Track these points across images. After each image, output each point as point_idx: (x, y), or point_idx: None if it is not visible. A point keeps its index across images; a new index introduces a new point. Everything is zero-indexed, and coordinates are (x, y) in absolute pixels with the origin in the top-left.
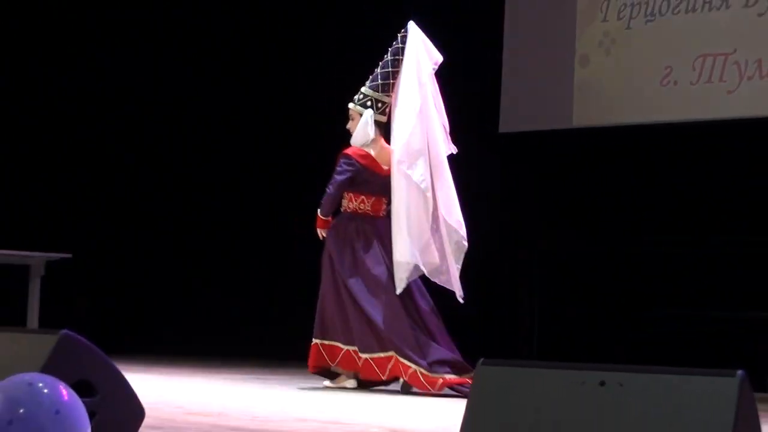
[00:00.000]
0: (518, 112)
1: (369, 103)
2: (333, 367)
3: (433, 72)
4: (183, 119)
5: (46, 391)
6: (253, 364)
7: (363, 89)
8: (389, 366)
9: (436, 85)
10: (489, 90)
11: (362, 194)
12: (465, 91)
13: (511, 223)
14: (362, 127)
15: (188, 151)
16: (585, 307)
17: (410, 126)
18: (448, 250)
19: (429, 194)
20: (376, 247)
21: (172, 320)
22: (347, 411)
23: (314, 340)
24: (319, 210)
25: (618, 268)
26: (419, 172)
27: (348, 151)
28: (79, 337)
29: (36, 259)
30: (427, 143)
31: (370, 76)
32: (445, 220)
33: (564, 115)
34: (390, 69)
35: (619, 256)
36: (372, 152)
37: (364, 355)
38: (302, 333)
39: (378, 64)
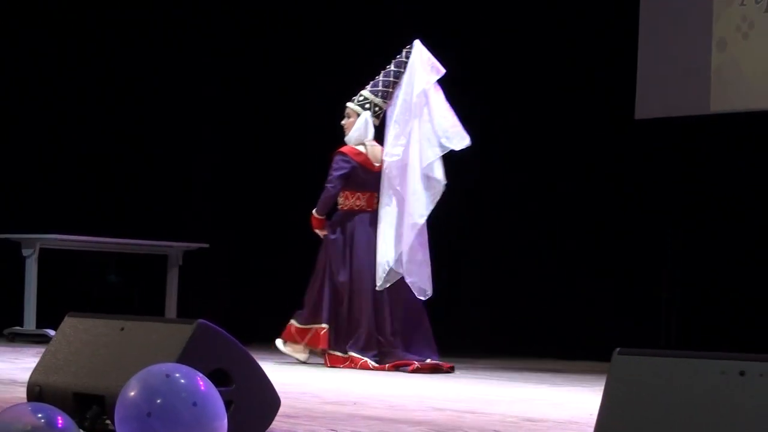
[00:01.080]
0: (654, 99)
1: (367, 106)
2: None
3: (435, 84)
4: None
5: (183, 381)
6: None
7: (363, 92)
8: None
9: (439, 93)
10: (625, 76)
11: (358, 191)
12: (600, 77)
13: (646, 211)
14: (361, 127)
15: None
16: (725, 295)
17: (403, 144)
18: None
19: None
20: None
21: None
22: (483, 400)
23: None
24: (315, 210)
25: (757, 256)
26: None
27: (343, 149)
28: (215, 326)
29: (174, 249)
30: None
31: (371, 81)
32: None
33: (701, 101)
34: (391, 79)
35: (760, 243)
36: (364, 150)
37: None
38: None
39: (380, 72)
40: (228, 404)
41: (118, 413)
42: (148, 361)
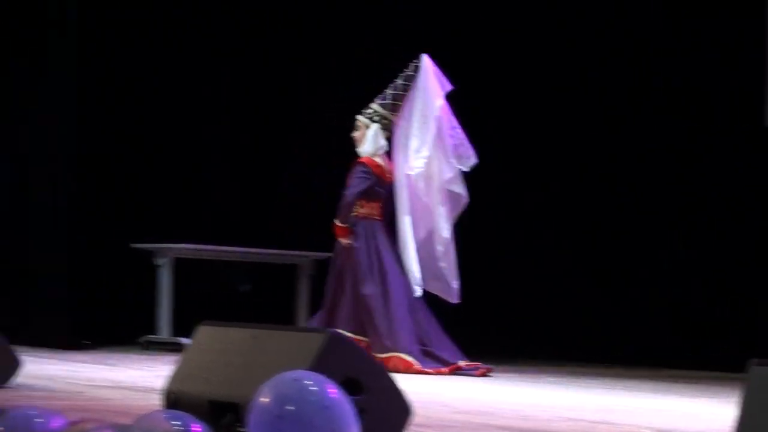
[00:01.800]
0: None
1: (376, 118)
2: None
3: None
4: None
5: (314, 388)
6: (521, 362)
7: (373, 105)
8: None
9: (448, 112)
10: (753, 83)
11: (373, 201)
12: (728, 84)
13: None
14: (372, 139)
15: None
16: None
17: (426, 156)
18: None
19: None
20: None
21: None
22: (616, 411)
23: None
24: (337, 219)
25: None
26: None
27: (364, 161)
28: (346, 335)
29: (305, 258)
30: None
31: (380, 95)
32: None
33: None
34: (399, 92)
35: None
36: (380, 162)
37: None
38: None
39: (388, 85)
40: (359, 412)
41: (251, 420)
42: (280, 369)
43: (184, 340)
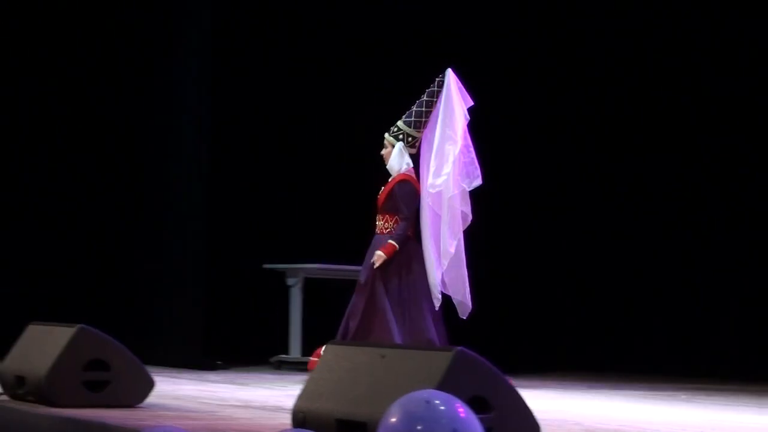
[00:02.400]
0: None
1: (401, 136)
2: None
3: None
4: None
5: (443, 408)
6: (650, 379)
7: (398, 123)
8: None
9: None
10: None
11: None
12: None
13: None
14: (397, 157)
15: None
16: None
17: (447, 174)
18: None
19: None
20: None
21: (563, 335)
22: (745, 429)
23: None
24: (398, 241)
25: None
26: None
27: (408, 177)
28: (474, 354)
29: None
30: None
31: (406, 112)
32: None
33: None
34: (424, 108)
35: None
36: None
37: None
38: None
39: (414, 102)
40: (488, 431)
41: None
42: (408, 388)
43: None
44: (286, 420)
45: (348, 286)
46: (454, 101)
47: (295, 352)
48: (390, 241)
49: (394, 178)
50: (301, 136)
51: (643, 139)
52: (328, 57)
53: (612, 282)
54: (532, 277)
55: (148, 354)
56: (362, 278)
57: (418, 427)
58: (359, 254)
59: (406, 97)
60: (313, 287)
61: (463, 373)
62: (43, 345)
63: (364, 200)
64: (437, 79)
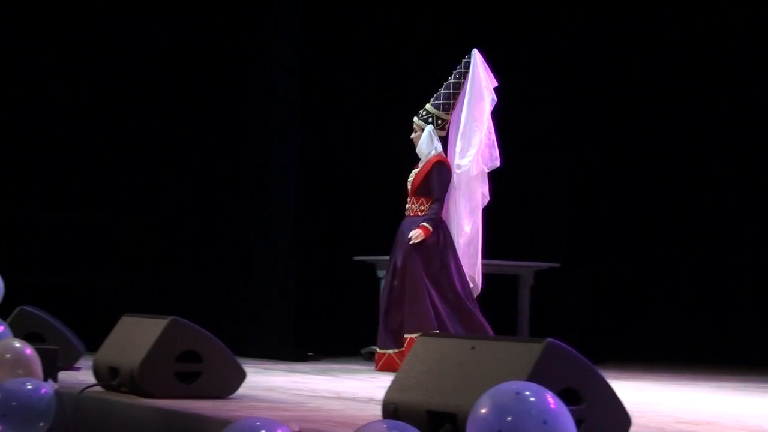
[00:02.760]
0: None
1: (430, 120)
2: None
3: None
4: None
5: (533, 399)
6: (742, 371)
7: (427, 106)
8: None
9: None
10: None
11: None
12: None
13: None
14: (427, 140)
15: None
16: None
17: (473, 155)
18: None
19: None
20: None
21: (656, 327)
22: None
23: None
24: (432, 224)
25: None
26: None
27: (442, 159)
28: (564, 345)
29: (526, 269)
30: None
31: (436, 94)
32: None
33: None
34: (452, 90)
35: None
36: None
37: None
38: None
39: (442, 85)
40: (578, 423)
41: (469, 430)
42: (498, 379)
43: None
44: (377, 411)
45: None
46: (481, 82)
47: None
48: (424, 223)
49: (429, 161)
50: (392, 127)
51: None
52: (425, 48)
53: (703, 271)
54: (621, 265)
55: (239, 345)
56: (399, 261)
57: (508, 419)
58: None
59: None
60: None
61: (553, 365)
62: (136, 336)
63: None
64: (464, 60)
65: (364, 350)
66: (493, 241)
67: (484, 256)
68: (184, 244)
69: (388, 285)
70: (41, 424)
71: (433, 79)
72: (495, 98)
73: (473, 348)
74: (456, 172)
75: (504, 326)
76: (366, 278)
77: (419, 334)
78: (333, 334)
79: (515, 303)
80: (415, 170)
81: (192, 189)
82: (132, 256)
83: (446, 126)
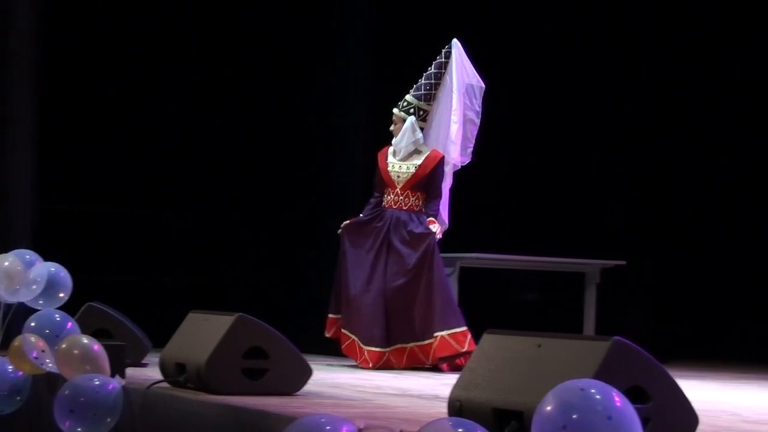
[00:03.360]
0: None
1: (412, 111)
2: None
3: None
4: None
5: (599, 397)
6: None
7: (407, 97)
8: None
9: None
10: None
11: None
12: None
13: None
14: (409, 132)
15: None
16: None
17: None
18: None
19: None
20: None
21: (723, 325)
22: None
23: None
24: (440, 223)
25: None
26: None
27: (440, 155)
28: (631, 343)
29: (592, 266)
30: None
31: (414, 86)
32: None
33: None
34: (433, 81)
35: None
36: None
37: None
38: None
39: (422, 75)
40: (645, 421)
41: (534, 427)
42: (564, 377)
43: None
44: (443, 408)
45: (504, 276)
46: (468, 71)
47: None
48: (431, 218)
49: (430, 156)
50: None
51: None
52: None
53: None
54: (688, 262)
55: (304, 342)
56: (410, 259)
57: (574, 416)
58: (514, 243)
59: None
60: (468, 276)
61: (620, 363)
62: (203, 333)
63: (516, 189)
64: (443, 50)
65: None
66: (559, 239)
67: (550, 254)
68: (250, 240)
69: (393, 281)
70: (108, 419)
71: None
72: (483, 85)
73: (540, 346)
74: (456, 166)
75: (570, 324)
76: None
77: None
78: None
79: (581, 301)
80: (404, 163)
81: (259, 185)
82: (198, 252)
83: (427, 118)
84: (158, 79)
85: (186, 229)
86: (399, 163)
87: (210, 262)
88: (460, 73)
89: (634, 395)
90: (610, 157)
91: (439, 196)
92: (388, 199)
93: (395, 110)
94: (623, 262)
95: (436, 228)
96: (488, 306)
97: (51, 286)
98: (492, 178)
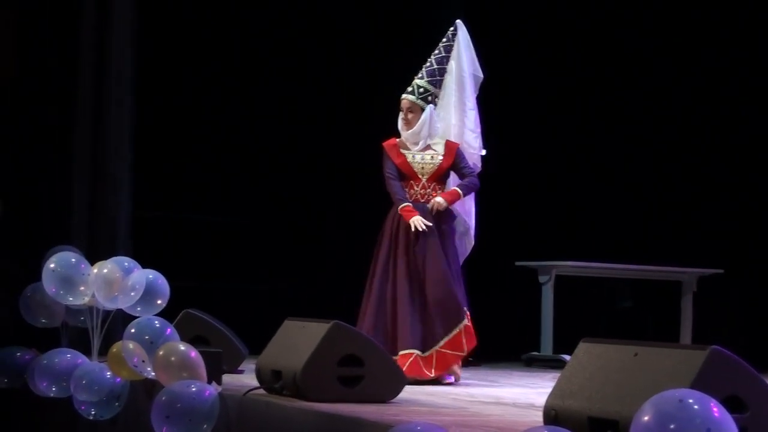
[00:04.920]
0: None
1: (429, 98)
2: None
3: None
4: None
5: (697, 407)
6: None
7: (421, 83)
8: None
9: None
10: None
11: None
12: None
13: None
14: (429, 122)
15: None
16: None
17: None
18: None
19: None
20: None
21: None
22: None
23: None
24: (466, 190)
25: None
26: None
27: (457, 143)
28: (729, 352)
29: (688, 275)
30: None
31: (425, 70)
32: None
33: None
34: (444, 65)
35: None
36: None
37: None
38: None
39: (427, 59)
40: (742, 430)
41: None
42: (660, 386)
43: (566, 357)
44: (538, 417)
45: (599, 284)
46: (473, 53)
47: (546, 349)
48: (456, 188)
49: (449, 146)
50: (556, 136)
51: None
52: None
53: None
54: None
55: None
56: (454, 268)
57: (671, 426)
58: (610, 251)
59: None
60: (564, 284)
61: (717, 372)
62: (298, 340)
63: (609, 195)
64: (449, 32)
65: (524, 356)
66: (656, 247)
67: (646, 262)
68: (346, 247)
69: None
70: (205, 426)
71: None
72: (481, 75)
73: (636, 354)
74: (474, 155)
75: (666, 333)
76: (528, 284)
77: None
78: (493, 340)
79: (678, 309)
80: (425, 153)
81: (353, 194)
82: (294, 259)
83: (435, 102)
84: (252, 83)
85: (283, 235)
86: (419, 153)
87: (307, 268)
88: (470, 56)
89: (732, 405)
90: (706, 162)
91: (471, 174)
92: (412, 192)
93: (410, 97)
94: (721, 270)
95: (443, 201)
96: (583, 314)
97: (149, 293)
98: (583, 184)
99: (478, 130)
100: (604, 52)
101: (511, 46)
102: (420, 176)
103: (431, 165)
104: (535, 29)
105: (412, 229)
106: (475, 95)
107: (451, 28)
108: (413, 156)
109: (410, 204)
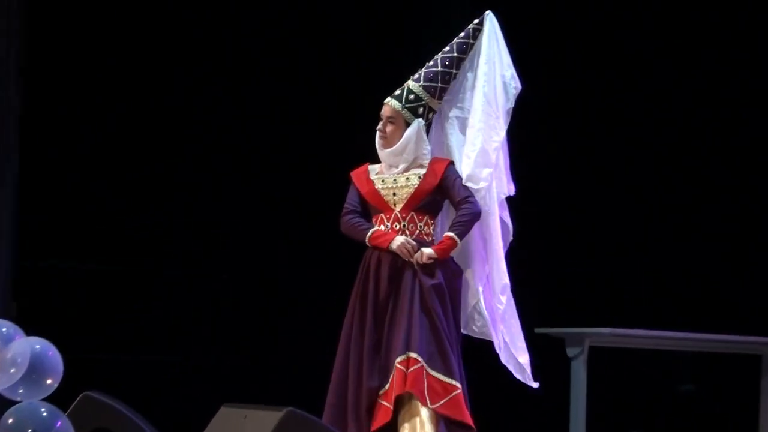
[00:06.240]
0: None
1: (421, 110)
2: None
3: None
4: None
5: None
6: None
7: (413, 86)
8: None
9: None
10: None
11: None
12: None
13: None
14: (415, 141)
15: None
16: None
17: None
18: None
19: None
20: None
21: None
22: None
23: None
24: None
25: None
26: None
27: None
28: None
29: None
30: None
31: (424, 71)
32: None
33: None
34: (451, 70)
35: None
36: None
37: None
38: None
39: (433, 57)
40: None
41: None
42: None
43: None
44: None
45: (648, 358)
46: (503, 57)
47: None
48: (450, 235)
49: (438, 162)
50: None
51: None
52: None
53: None
54: None
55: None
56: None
57: None
58: (656, 317)
59: None
60: (600, 358)
61: None
62: None
63: (655, 252)
64: (472, 26)
65: None
66: (723, 308)
67: (713, 330)
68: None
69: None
70: None
71: None
72: (519, 86)
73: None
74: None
75: (744, 423)
76: (552, 357)
77: None
78: (514, 425)
79: (756, 390)
80: (396, 176)
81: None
82: (228, 320)
83: (431, 120)
84: (243, 83)
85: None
86: (391, 176)
87: (244, 333)
88: (502, 60)
89: None
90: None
91: (468, 200)
92: (387, 226)
93: (394, 103)
94: None
95: (432, 253)
96: (629, 397)
97: (35, 369)
98: (625, 244)
99: (507, 167)
100: (604, 52)
101: (510, 45)
102: (391, 206)
103: (406, 189)
104: (535, 29)
105: (401, 256)
106: (508, 117)
107: (475, 21)
108: (382, 181)
109: (380, 229)
